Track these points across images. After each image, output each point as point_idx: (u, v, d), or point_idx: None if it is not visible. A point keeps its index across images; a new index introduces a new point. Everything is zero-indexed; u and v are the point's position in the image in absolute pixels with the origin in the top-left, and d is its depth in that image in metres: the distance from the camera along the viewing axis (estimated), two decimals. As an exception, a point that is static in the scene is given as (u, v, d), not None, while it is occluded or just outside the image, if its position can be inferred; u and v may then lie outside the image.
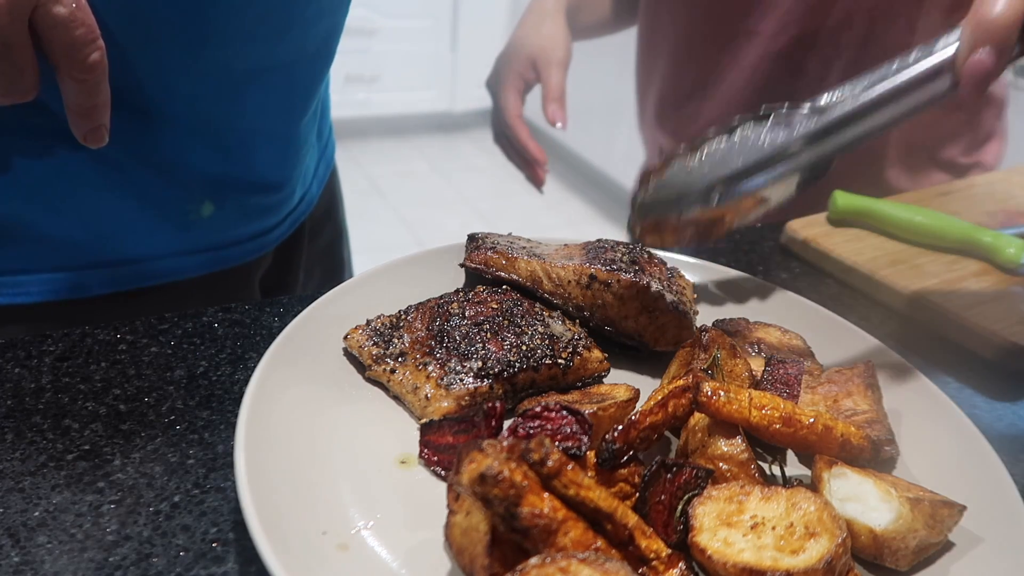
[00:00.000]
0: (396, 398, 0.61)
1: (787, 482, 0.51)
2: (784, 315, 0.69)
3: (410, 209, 4.16)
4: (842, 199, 0.96)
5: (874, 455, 0.51)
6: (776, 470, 0.54)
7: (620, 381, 0.64)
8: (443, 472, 0.52)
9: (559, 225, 3.66)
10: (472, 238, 0.75)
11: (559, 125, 1.16)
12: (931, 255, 0.91)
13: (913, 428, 0.56)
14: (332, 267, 1.11)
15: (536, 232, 0.78)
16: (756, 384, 0.56)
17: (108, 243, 0.77)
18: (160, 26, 0.68)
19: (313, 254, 1.04)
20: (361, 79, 4.65)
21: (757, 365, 0.59)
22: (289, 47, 0.79)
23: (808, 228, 0.95)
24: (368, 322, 0.65)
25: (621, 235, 0.76)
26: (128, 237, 0.78)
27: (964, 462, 0.53)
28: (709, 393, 0.50)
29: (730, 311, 0.70)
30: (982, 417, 0.69)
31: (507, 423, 0.51)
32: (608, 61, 2.56)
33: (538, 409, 0.49)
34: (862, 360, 0.61)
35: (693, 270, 0.76)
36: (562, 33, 1.23)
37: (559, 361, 0.61)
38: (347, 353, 0.64)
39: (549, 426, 0.49)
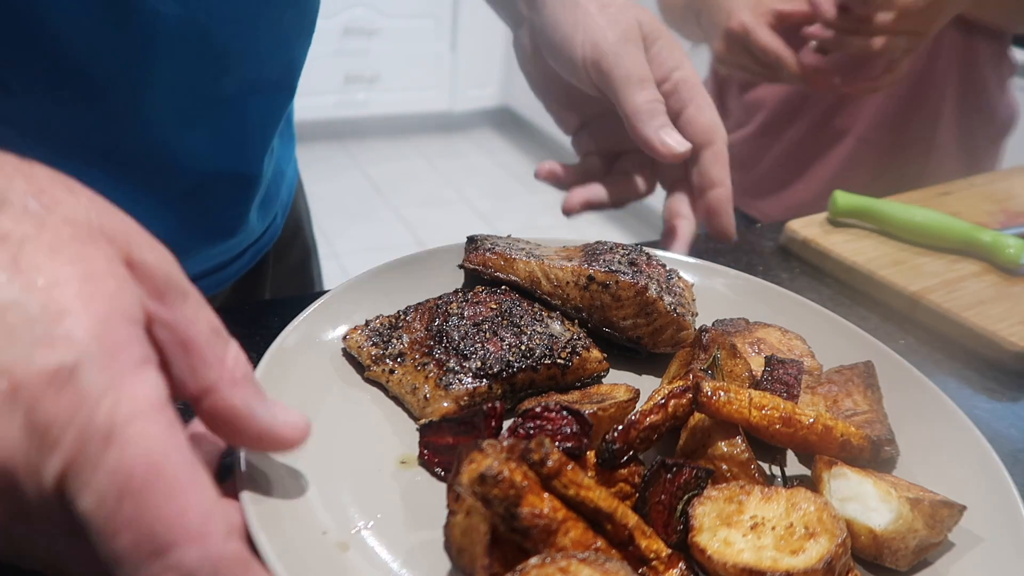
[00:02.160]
0: (396, 398, 0.61)
1: (787, 482, 0.51)
2: (784, 315, 0.69)
3: (410, 209, 4.16)
4: (842, 199, 0.96)
5: (874, 455, 0.51)
6: (777, 470, 0.54)
7: (620, 382, 0.64)
8: (443, 473, 0.52)
9: (559, 225, 3.66)
10: (471, 240, 0.75)
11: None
12: (931, 255, 0.91)
13: (913, 428, 0.56)
14: (302, 287, 1.08)
15: (536, 233, 0.77)
16: (756, 384, 0.56)
17: None
18: (95, 77, 0.65)
19: (280, 277, 1.01)
20: (361, 79, 4.65)
21: (757, 365, 0.59)
22: (242, 80, 0.75)
23: (808, 228, 0.95)
24: (367, 322, 0.65)
25: (621, 236, 0.76)
26: None
27: (964, 462, 0.53)
28: (709, 393, 0.50)
29: (730, 311, 0.70)
30: (982, 417, 0.70)
31: (507, 423, 0.51)
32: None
33: (538, 409, 0.49)
34: (862, 360, 0.61)
35: (693, 271, 0.76)
36: None
37: (558, 361, 0.61)
38: (346, 353, 0.64)
39: (549, 426, 0.49)
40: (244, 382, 0.41)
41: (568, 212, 0.84)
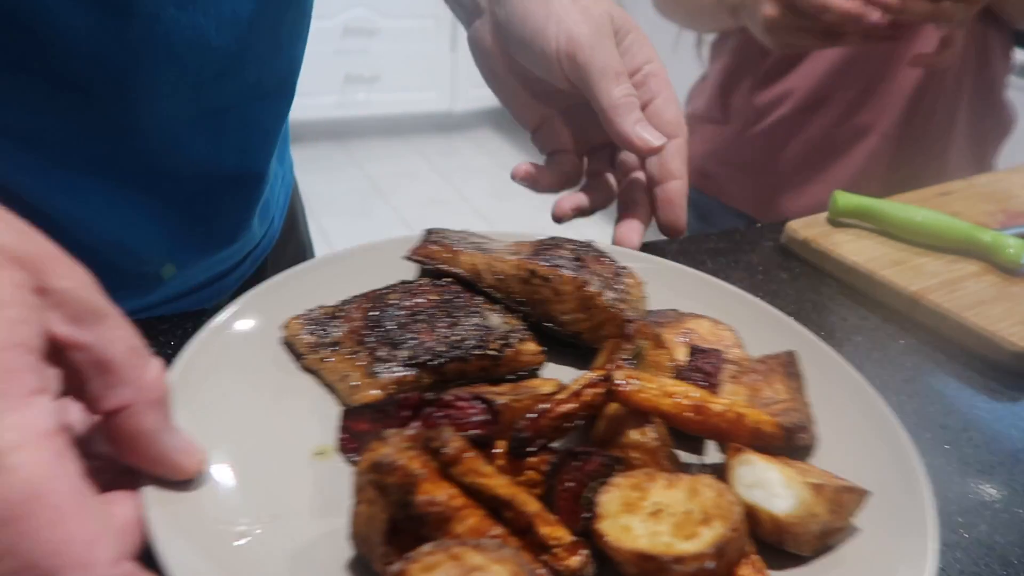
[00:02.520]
0: (330, 387, 0.61)
1: (700, 470, 0.51)
2: (719, 306, 0.69)
3: (410, 209, 4.17)
4: (842, 199, 0.96)
5: (788, 442, 0.51)
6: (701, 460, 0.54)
7: (558, 374, 0.64)
8: (356, 459, 0.52)
9: (559, 226, 3.66)
10: (427, 232, 0.75)
11: None
12: (931, 255, 0.91)
13: (834, 416, 0.56)
14: None
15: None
16: (678, 373, 0.56)
17: None
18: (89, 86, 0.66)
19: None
20: (361, 79, 4.67)
21: (684, 355, 0.59)
22: (243, 85, 0.76)
23: (808, 228, 0.95)
24: (308, 311, 0.65)
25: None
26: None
27: (880, 454, 0.53)
28: (621, 381, 0.50)
29: (669, 303, 0.70)
30: (982, 417, 0.69)
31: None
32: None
33: (448, 398, 0.50)
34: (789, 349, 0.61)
35: (643, 266, 0.76)
36: None
37: (489, 352, 0.61)
38: (286, 342, 0.64)
39: (458, 414, 0.49)
40: (158, 405, 0.42)
41: (559, 219, 0.85)
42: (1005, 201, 1.07)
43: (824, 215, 0.98)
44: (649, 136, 0.76)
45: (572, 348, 0.67)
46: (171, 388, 0.51)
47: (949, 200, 1.06)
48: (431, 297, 0.67)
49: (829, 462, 0.53)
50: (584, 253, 0.69)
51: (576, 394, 0.51)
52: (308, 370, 0.62)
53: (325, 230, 3.81)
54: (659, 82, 0.80)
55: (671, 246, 0.93)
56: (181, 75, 0.69)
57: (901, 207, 0.94)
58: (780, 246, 0.96)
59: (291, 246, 1.06)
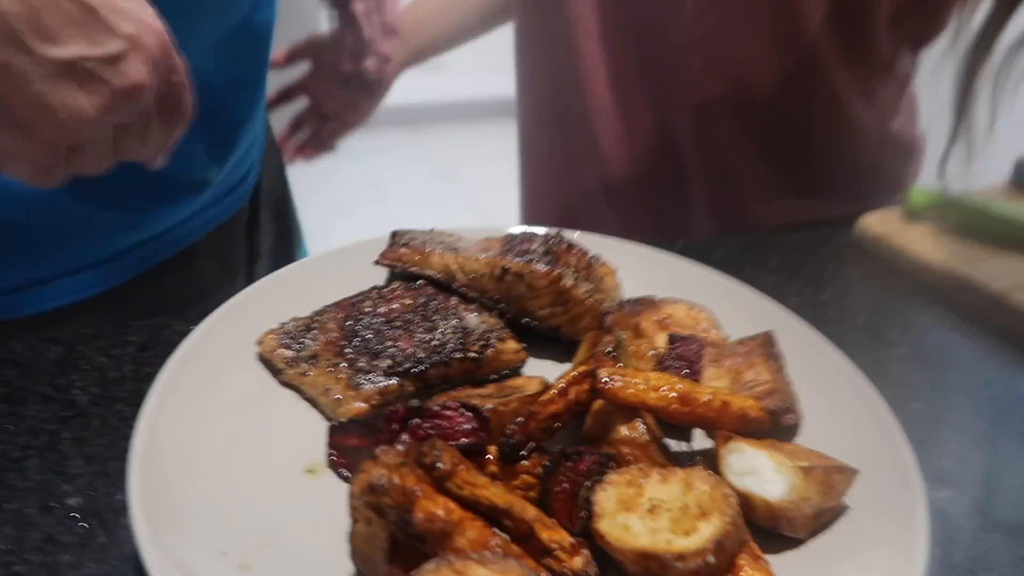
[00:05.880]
0: (313, 401, 0.60)
1: (692, 459, 0.52)
2: (696, 290, 0.69)
3: (479, 195, 4.21)
4: (918, 194, 0.91)
5: (774, 425, 0.52)
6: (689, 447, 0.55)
7: (541, 369, 0.64)
8: (348, 475, 0.52)
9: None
10: (393, 235, 0.74)
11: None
12: (1009, 253, 0.85)
13: (817, 395, 0.57)
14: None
15: None
16: (660, 362, 0.57)
17: (141, 223, 0.80)
18: None
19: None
20: (428, 65, 4.60)
21: (664, 342, 0.60)
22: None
23: (881, 224, 0.90)
24: (282, 324, 0.64)
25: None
26: (153, 213, 0.81)
27: (864, 427, 0.54)
28: (605, 379, 0.50)
29: (644, 289, 0.70)
30: None
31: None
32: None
33: (436, 408, 0.49)
34: (768, 329, 0.62)
35: (618, 254, 0.75)
36: None
37: (470, 354, 0.61)
38: (262, 358, 0.63)
39: (447, 424, 0.49)
40: None
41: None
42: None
43: (898, 210, 0.93)
44: None
45: (552, 341, 0.67)
46: (152, 413, 0.51)
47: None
48: (406, 302, 0.66)
49: (815, 440, 0.54)
50: (555, 245, 0.69)
51: (562, 393, 0.51)
52: (288, 385, 0.61)
53: (395, 216, 3.78)
54: None
55: (737, 241, 0.90)
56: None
57: (981, 201, 0.89)
58: (852, 242, 0.92)
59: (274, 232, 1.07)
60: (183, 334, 0.62)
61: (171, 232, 0.84)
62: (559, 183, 1.16)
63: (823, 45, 0.91)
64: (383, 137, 4.63)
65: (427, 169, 4.41)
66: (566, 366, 0.66)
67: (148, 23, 0.51)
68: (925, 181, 0.99)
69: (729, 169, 1.01)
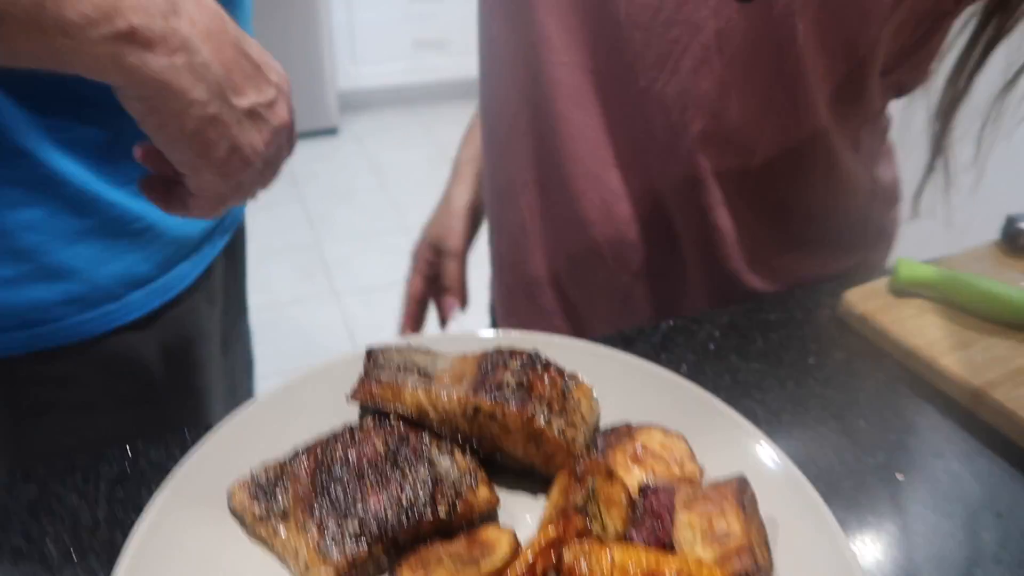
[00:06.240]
0: (282, 559, 0.60)
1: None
2: (670, 409, 0.69)
3: None
4: (906, 268, 0.86)
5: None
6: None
7: (515, 506, 0.65)
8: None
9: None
10: (369, 354, 0.73)
11: (455, 311, 1.22)
12: (1004, 333, 0.82)
13: (789, 538, 0.57)
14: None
15: None
16: (632, 509, 0.58)
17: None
18: None
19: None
20: (429, 44, 4.65)
21: (637, 479, 0.62)
22: None
23: (867, 300, 0.86)
24: (251, 475, 0.64)
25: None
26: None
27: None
28: (570, 561, 0.49)
29: (620, 405, 0.70)
30: None
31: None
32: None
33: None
34: (745, 457, 0.63)
35: (598, 366, 0.75)
36: (460, 224, 1.27)
37: (440, 513, 0.60)
38: (233, 512, 0.62)
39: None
40: None
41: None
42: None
43: (886, 282, 0.89)
44: None
45: (526, 474, 0.66)
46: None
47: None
48: (377, 444, 0.65)
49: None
50: (530, 370, 0.68)
51: (530, 567, 0.51)
52: (259, 539, 0.61)
53: (396, 200, 3.84)
54: None
55: (722, 319, 0.87)
56: None
57: (974, 277, 0.84)
58: (837, 318, 0.87)
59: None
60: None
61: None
62: (538, 249, 1.13)
63: (823, 104, 0.89)
64: (383, 118, 4.71)
65: (429, 150, 4.42)
66: (540, 501, 0.66)
67: (282, 73, 0.63)
68: (909, 254, 0.95)
69: (720, 230, 0.99)
